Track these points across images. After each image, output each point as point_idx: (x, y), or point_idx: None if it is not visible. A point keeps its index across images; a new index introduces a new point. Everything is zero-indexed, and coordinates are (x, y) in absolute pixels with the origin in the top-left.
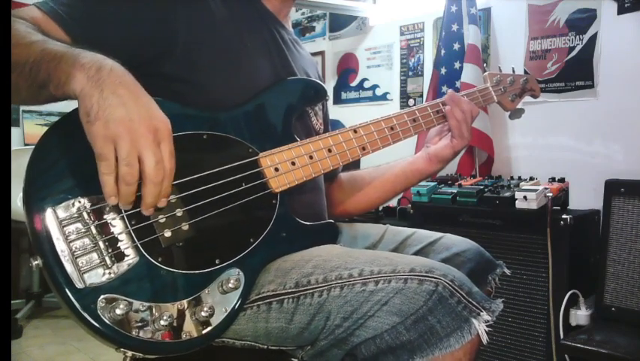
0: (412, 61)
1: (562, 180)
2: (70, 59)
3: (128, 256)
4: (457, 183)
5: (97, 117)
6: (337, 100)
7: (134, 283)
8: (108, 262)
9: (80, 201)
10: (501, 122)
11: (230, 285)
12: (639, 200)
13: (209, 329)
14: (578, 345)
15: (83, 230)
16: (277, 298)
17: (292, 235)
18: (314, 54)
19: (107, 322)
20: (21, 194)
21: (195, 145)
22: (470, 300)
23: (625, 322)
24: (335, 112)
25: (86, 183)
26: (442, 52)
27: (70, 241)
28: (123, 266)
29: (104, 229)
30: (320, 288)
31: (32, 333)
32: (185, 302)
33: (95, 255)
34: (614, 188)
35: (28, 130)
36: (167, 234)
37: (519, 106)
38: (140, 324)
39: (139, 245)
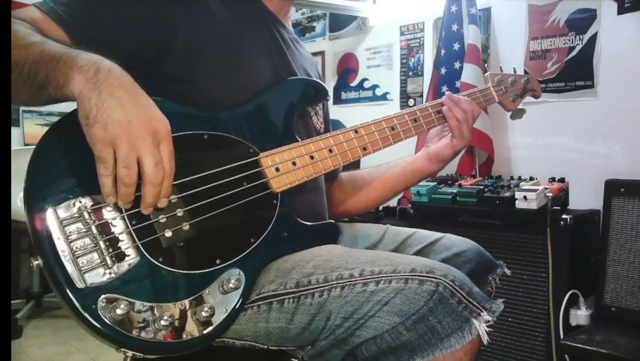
0: (412, 61)
1: (562, 180)
2: (69, 61)
3: (128, 256)
4: (457, 183)
5: (95, 120)
6: (337, 100)
7: (134, 283)
8: (109, 261)
9: (80, 201)
10: (501, 122)
11: (230, 285)
12: (639, 200)
13: (209, 329)
14: (578, 345)
15: (84, 230)
16: (278, 298)
17: (293, 235)
18: (314, 54)
19: (108, 322)
20: (21, 194)
21: (196, 145)
22: (471, 300)
23: (625, 322)
24: (335, 112)
25: (86, 182)
26: (442, 52)
27: (71, 241)
28: (124, 266)
29: (104, 228)
30: (320, 288)
31: (32, 333)
32: (185, 302)
33: (95, 255)
34: (614, 188)
35: (28, 130)
36: (168, 234)
37: (520, 106)
38: (140, 324)
39: (139, 245)
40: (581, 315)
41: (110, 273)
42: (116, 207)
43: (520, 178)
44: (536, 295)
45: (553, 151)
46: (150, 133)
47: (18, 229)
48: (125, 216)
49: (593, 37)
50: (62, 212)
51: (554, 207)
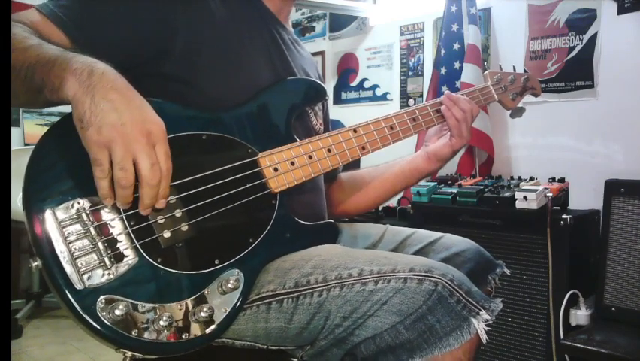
0: (412, 61)
1: (562, 180)
2: (63, 64)
3: (127, 256)
4: (457, 183)
5: (89, 123)
6: (337, 100)
7: (133, 284)
8: (107, 262)
9: (79, 203)
10: (501, 122)
11: (229, 285)
12: (639, 200)
13: (209, 329)
14: (578, 345)
15: (83, 231)
16: (277, 298)
17: (292, 235)
18: (314, 54)
19: (107, 322)
20: (21, 194)
21: (194, 146)
22: (469, 299)
23: (625, 322)
24: (335, 112)
25: (85, 184)
26: (442, 52)
27: (70, 242)
28: (122, 267)
29: (103, 229)
30: (319, 288)
31: (32, 333)
32: (184, 303)
33: (94, 256)
34: (614, 188)
35: (28, 130)
36: (167, 234)
37: (520, 105)
38: (139, 325)
39: (138, 246)
40: (581, 315)
41: (109, 274)
42: (115, 209)
43: (520, 178)
44: (536, 295)
45: (553, 151)
46: (144, 135)
47: (18, 228)
48: (124, 217)
49: (593, 37)
50: (61, 213)
51: (554, 207)
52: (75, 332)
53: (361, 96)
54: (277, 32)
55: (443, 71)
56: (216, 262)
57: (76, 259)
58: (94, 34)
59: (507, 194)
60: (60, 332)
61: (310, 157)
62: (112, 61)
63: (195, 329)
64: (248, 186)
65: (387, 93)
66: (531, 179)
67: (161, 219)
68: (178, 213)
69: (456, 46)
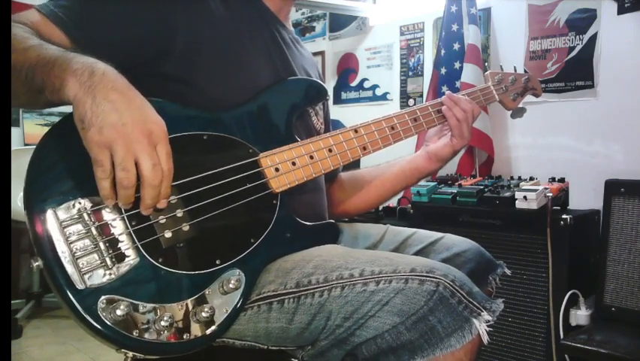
0: (412, 61)
1: (562, 180)
2: (63, 65)
3: (128, 256)
4: (457, 183)
5: (90, 124)
6: (337, 100)
7: (134, 284)
8: (109, 262)
9: (80, 203)
10: (501, 122)
11: (230, 285)
12: (639, 200)
13: (209, 329)
14: (578, 345)
15: (84, 231)
16: (278, 299)
17: (293, 235)
18: (314, 54)
19: (108, 323)
20: (21, 194)
21: (195, 146)
22: (471, 300)
23: (625, 322)
24: (335, 112)
25: (86, 184)
26: (442, 52)
27: (71, 242)
28: (124, 267)
29: (104, 229)
30: (321, 288)
31: (32, 333)
32: (185, 303)
33: (95, 256)
34: (614, 188)
35: (28, 130)
36: (168, 235)
37: (520, 105)
38: (140, 325)
39: (139, 246)
40: (581, 315)
41: (110, 274)
42: (116, 209)
43: (520, 178)
44: (536, 295)
45: (553, 151)
46: (145, 135)
47: (18, 228)
48: (125, 217)
49: (593, 37)
50: (62, 213)
51: (554, 207)
52: (75, 332)
53: (361, 96)
54: (277, 32)
55: (443, 71)
56: (217, 262)
57: (77, 259)
58: (94, 34)
59: (507, 194)
60: (60, 332)
61: (311, 157)
62: (112, 61)
63: (196, 330)
64: (249, 186)
65: (387, 93)
66: (531, 179)
67: (162, 220)
68: (179, 213)
69: (456, 46)
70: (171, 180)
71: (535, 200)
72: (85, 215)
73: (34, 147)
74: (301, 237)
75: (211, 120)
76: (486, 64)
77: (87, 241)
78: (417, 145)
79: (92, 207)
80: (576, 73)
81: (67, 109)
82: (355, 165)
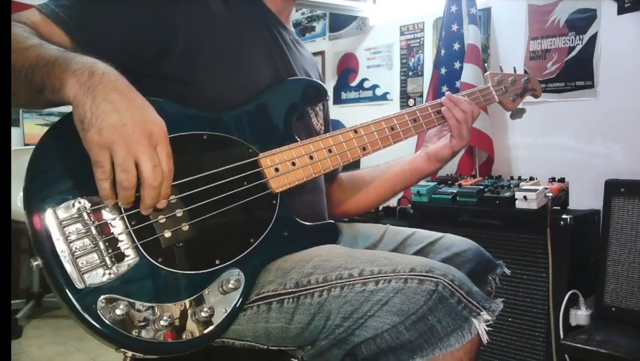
0: (412, 61)
1: (562, 180)
2: (63, 65)
3: (128, 256)
4: (457, 183)
5: (90, 124)
6: (337, 100)
7: (134, 284)
8: (108, 262)
9: (80, 202)
10: (501, 122)
11: (230, 285)
12: (639, 200)
13: (209, 329)
14: (578, 345)
15: (83, 230)
16: (277, 298)
17: (292, 235)
18: (314, 54)
19: (107, 322)
20: (21, 194)
21: (195, 145)
22: (470, 300)
23: (625, 322)
24: (335, 112)
25: (86, 183)
26: (442, 52)
27: (71, 242)
28: (123, 266)
29: (104, 229)
30: (320, 288)
31: (32, 333)
32: (185, 303)
33: (95, 255)
34: (614, 188)
35: (28, 130)
36: (167, 234)
37: (520, 106)
38: (140, 324)
39: (139, 245)
40: (581, 315)
41: (110, 273)
42: (116, 208)
43: (520, 178)
44: (536, 295)
45: (553, 151)
46: (146, 136)
47: (18, 228)
48: (125, 217)
49: (593, 37)
50: (62, 213)
51: (554, 207)
52: (75, 331)
53: (361, 96)
54: (278, 32)
55: (443, 71)
56: (217, 262)
57: (76, 258)
58: (94, 34)
59: (507, 194)
60: (60, 332)
61: (311, 157)
62: (112, 61)
63: (195, 329)
64: (249, 186)
65: (387, 93)
66: (531, 179)
67: (162, 219)
68: (179, 212)
69: (456, 46)
70: (171, 180)
71: (535, 200)
72: (84, 214)
73: (34, 147)
74: (301, 237)
75: (211, 120)
76: (486, 64)
77: (87, 241)
78: (416, 146)
79: (91, 206)
80: (576, 73)
81: (67, 109)
82: (355, 165)
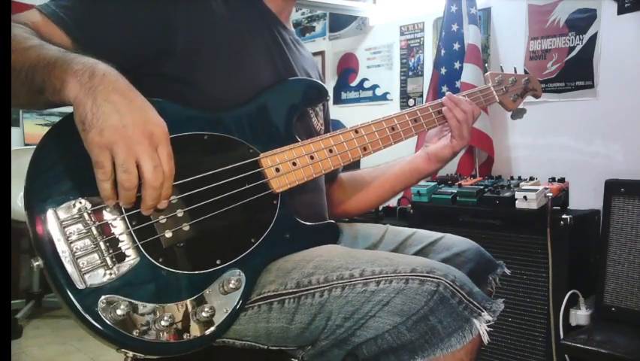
0: (412, 61)
1: (562, 180)
2: (64, 65)
3: (128, 256)
4: (457, 183)
5: (91, 125)
6: (337, 100)
7: (134, 284)
8: (109, 262)
9: (80, 202)
10: (501, 122)
11: (231, 285)
12: (639, 200)
13: (210, 329)
14: (578, 345)
15: (84, 231)
16: (278, 299)
17: (293, 235)
18: (314, 54)
19: (108, 322)
20: (21, 194)
21: (196, 146)
22: (471, 300)
23: (625, 322)
24: (335, 112)
25: (86, 183)
26: (442, 52)
27: (71, 242)
28: (124, 267)
29: (104, 229)
30: (321, 288)
31: (32, 333)
32: (186, 303)
33: (95, 256)
34: (614, 188)
35: (28, 130)
36: (168, 234)
37: (521, 106)
38: (140, 325)
39: (140, 246)
40: (581, 315)
41: (111, 274)
42: (116, 208)
43: (520, 178)
44: (536, 295)
45: (553, 151)
46: (146, 136)
47: (18, 229)
48: (125, 217)
49: (593, 37)
50: (63, 213)
51: (554, 207)
52: (75, 332)
53: (361, 96)
54: (278, 32)
55: (443, 71)
56: (218, 262)
57: (77, 258)
58: (95, 34)
59: (507, 194)
60: (60, 332)
61: (312, 157)
62: (113, 61)
63: (196, 330)
64: (249, 186)
65: (387, 93)
66: (531, 179)
67: (162, 219)
68: (180, 213)
69: (456, 46)
70: (172, 181)
71: (535, 200)
72: (85, 215)
73: (35, 147)
74: (301, 237)
75: (211, 120)
76: (486, 64)
77: (87, 241)
78: (417, 146)
79: (92, 206)
80: (576, 73)
81: (68, 109)
82: (355, 165)
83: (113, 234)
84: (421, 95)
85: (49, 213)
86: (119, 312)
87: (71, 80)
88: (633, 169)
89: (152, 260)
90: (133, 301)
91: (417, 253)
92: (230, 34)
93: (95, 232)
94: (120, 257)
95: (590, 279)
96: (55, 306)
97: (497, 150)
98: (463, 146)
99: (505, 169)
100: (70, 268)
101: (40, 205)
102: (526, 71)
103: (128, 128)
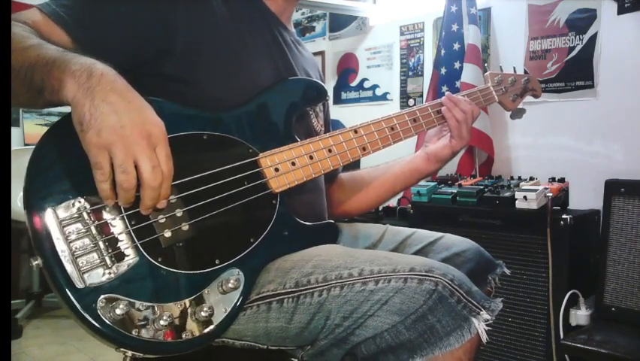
0: (412, 61)
1: (562, 180)
2: (62, 65)
3: (128, 256)
4: (457, 183)
5: (89, 126)
6: (337, 100)
7: (134, 283)
8: (108, 262)
9: (80, 201)
10: (501, 122)
11: (230, 285)
12: (639, 200)
13: (209, 328)
14: (578, 345)
15: (83, 230)
16: (277, 298)
17: (292, 235)
18: (314, 54)
19: (107, 322)
20: (21, 194)
21: (195, 145)
22: (470, 299)
23: (625, 322)
24: (335, 112)
25: (86, 183)
26: (442, 52)
27: (71, 241)
28: (123, 266)
29: (104, 229)
30: (320, 287)
31: (32, 333)
32: (185, 302)
33: (95, 255)
34: (614, 188)
35: (28, 130)
36: (167, 234)
37: (520, 106)
38: (140, 324)
39: (139, 245)
40: (581, 315)
41: (110, 273)
42: (116, 208)
43: (520, 178)
44: (536, 295)
45: (553, 151)
46: (145, 137)
47: (18, 228)
48: (125, 217)
49: (593, 37)
50: (62, 212)
51: (554, 207)
52: (75, 331)
53: (361, 96)
54: (279, 33)
55: (443, 71)
56: (217, 261)
57: (76, 257)
58: (95, 34)
59: (507, 194)
60: (60, 332)
61: (311, 157)
62: (112, 61)
63: (195, 329)
64: (248, 186)
65: (387, 93)
66: (531, 179)
67: (161, 219)
68: (179, 212)
69: (456, 46)
70: (171, 181)
71: (535, 200)
72: (84, 214)
73: (34, 146)
74: (300, 237)
75: (211, 120)
76: (486, 64)
77: (87, 240)
78: (416, 146)
79: (91, 206)
80: (576, 73)
81: (67, 109)
82: (355, 165)
83: (112, 233)
84: (421, 95)
85: (49, 212)
86: (118, 311)
87: (69, 80)
88: (633, 169)
89: (151, 260)
90: (132, 300)
91: (416, 253)
92: (230, 34)
93: (94, 231)
94: (119, 256)
95: (590, 279)
96: (55, 306)
97: (497, 150)
98: (463, 146)
99: (505, 169)
100: (69, 267)
101: (40, 204)
102: (526, 71)
103: (126, 129)
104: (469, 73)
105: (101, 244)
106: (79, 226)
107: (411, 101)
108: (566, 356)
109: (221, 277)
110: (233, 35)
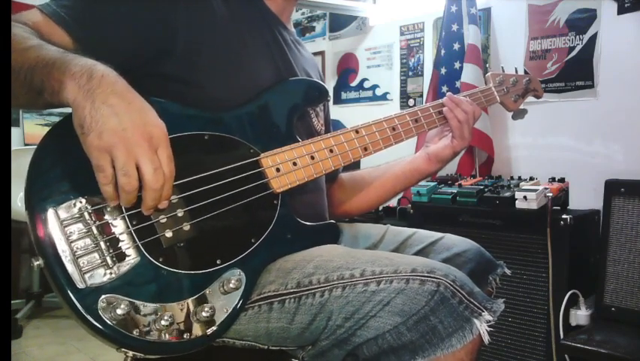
0: (412, 61)
1: (562, 180)
2: (62, 67)
3: (129, 256)
4: (457, 183)
5: (90, 129)
6: (337, 100)
7: (135, 284)
8: (109, 262)
9: (81, 202)
10: (501, 122)
11: (231, 285)
12: (639, 200)
13: (210, 329)
14: (578, 345)
15: (85, 230)
16: (278, 299)
17: (293, 235)
18: (314, 54)
19: (108, 322)
20: (21, 194)
21: (196, 146)
22: (472, 300)
23: (625, 322)
24: (335, 112)
25: (87, 183)
26: (442, 52)
27: (72, 242)
28: (124, 266)
29: (105, 229)
30: (321, 288)
31: (32, 333)
32: (186, 302)
33: (96, 255)
34: (614, 188)
35: (28, 130)
36: (169, 234)
37: (522, 106)
38: (140, 324)
39: (140, 245)
40: (581, 315)
41: (111, 273)
42: (117, 208)
43: (520, 178)
44: (536, 295)
45: (553, 151)
46: (146, 139)
47: (18, 228)
48: (126, 217)
49: (593, 37)
50: (63, 212)
51: (554, 207)
52: (75, 332)
53: (361, 96)
54: (279, 33)
55: (443, 71)
56: (218, 261)
57: (78, 258)
58: (96, 34)
59: (507, 194)
60: (60, 332)
61: (312, 157)
62: (113, 61)
63: (196, 329)
64: (250, 186)
65: (387, 93)
66: (531, 179)
67: (163, 219)
68: (180, 212)
69: (456, 46)
70: (172, 182)
71: (535, 200)
72: (86, 214)
73: (35, 147)
74: (302, 237)
75: (212, 120)
76: (486, 65)
77: (88, 240)
78: (417, 146)
79: (92, 206)
80: (576, 73)
81: (68, 109)
82: (356, 166)
83: (114, 233)
84: (421, 95)
85: (50, 212)
86: (119, 311)
87: (69, 82)
88: (633, 169)
89: (153, 260)
90: (133, 300)
91: (417, 253)
92: (230, 34)
93: (95, 231)
94: (120, 257)
95: (590, 279)
96: (55, 306)
97: (497, 150)
98: (464, 146)
99: (505, 169)
100: (70, 267)
101: (41, 205)
102: (526, 71)
103: (127, 131)
104: (469, 73)
105: (102, 244)
106: (80, 226)
107: (411, 101)
108: (566, 356)
109: (223, 278)
110: (234, 35)
